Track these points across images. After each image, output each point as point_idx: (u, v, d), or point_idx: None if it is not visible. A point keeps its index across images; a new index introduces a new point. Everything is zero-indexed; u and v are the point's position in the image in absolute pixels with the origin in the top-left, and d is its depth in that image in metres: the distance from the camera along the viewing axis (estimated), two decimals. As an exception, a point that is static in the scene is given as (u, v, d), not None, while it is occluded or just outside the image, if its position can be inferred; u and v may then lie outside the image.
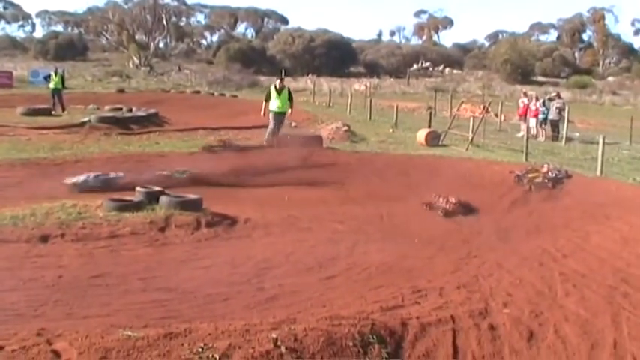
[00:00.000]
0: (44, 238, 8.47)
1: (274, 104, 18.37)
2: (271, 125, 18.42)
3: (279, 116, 18.50)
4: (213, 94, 42.11)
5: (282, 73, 35.06)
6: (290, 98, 18.64)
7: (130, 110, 27.76)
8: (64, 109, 28.28)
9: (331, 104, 37.19)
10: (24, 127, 21.75)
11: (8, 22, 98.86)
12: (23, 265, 7.60)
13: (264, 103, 18.63)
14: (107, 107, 29.58)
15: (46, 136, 19.81)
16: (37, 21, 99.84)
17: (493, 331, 5.99)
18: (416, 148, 19.57)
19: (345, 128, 21.89)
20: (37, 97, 31.91)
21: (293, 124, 23.48)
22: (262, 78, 56.34)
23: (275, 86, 18.61)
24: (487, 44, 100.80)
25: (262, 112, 18.62)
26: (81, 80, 48.97)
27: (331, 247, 9.03)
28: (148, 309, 6.25)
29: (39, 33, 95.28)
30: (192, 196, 10.19)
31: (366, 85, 52.40)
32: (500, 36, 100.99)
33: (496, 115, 30.24)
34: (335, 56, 76.61)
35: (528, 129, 21.68)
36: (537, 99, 25.65)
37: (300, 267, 8.04)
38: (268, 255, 8.44)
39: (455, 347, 5.65)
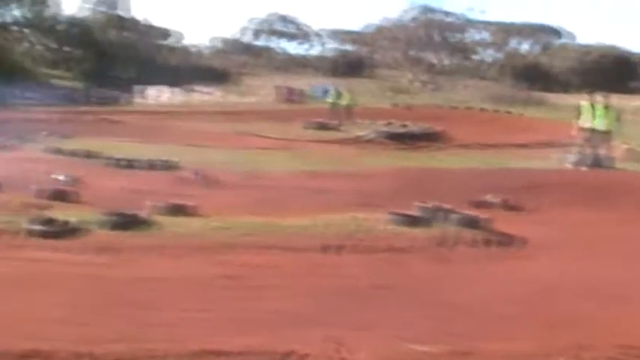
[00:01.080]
0: (327, 248, 8.79)
1: (590, 121, 17.69)
2: (585, 144, 17.76)
3: (597, 134, 17.75)
4: (494, 110, 41.54)
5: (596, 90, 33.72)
6: (612, 116, 17.77)
7: (407, 126, 28.18)
8: (346, 124, 29.23)
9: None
10: (308, 140, 22.77)
11: (291, 41, 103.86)
12: (309, 273, 7.95)
13: (575, 120, 17.98)
14: (385, 122, 30.22)
15: (329, 149, 20.60)
16: (319, 39, 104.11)
17: None
18: None
19: (629, 147, 20.65)
20: (319, 111, 33.26)
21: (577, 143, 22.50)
22: (549, 95, 54.77)
23: (591, 103, 17.91)
24: None
25: (573, 131, 17.97)
26: (359, 96, 50.30)
27: (620, 269, 8.59)
28: (432, 324, 6.28)
29: (323, 51, 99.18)
30: (474, 214, 10.15)
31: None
32: None
33: None
34: (616, 71, 72.83)
35: None
36: None
37: (589, 291, 7.67)
38: (554, 275, 8.17)
39: None
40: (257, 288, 7.42)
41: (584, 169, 17.21)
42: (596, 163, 17.40)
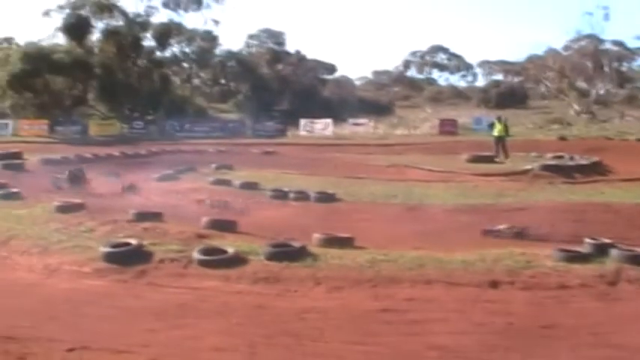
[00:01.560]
0: (494, 284, 8.59)
1: None
2: None
3: None
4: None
5: None
6: None
7: (572, 158, 27.40)
8: (507, 157, 28.73)
9: None
10: (469, 173, 22.52)
11: (452, 73, 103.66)
12: (473, 309, 7.79)
13: None
14: (549, 155, 29.47)
15: (491, 183, 20.29)
16: (479, 71, 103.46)
17: None
18: None
19: None
20: (481, 144, 32.86)
21: None
22: None
23: None
24: None
25: None
26: (521, 128, 49.39)
27: None
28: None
29: (480, 82, 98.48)
30: (644, 250, 9.69)
31: None
32: None
33: None
34: None
35: None
36: None
37: None
38: None
39: None
40: (419, 322, 7.36)
41: None
42: None
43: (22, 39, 61.08)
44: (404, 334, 7.07)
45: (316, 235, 10.84)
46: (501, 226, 12.59)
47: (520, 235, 12.24)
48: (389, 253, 9.73)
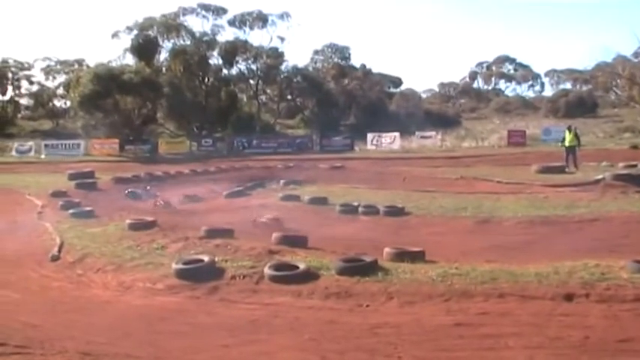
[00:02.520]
0: (568, 297, 8.43)
1: None
2: None
3: None
4: None
5: None
6: None
7: (649, 167, 26.83)
8: (577, 167, 28.31)
9: None
10: (540, 184, 22.25)
11: (519, 83, 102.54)
12: (549, 322, 7.67)
13: None
14: (620, 164, 28.95)
15: (562, 194, 20.00)
16: (546, 80, 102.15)
17: None
18: None
19: None
20: (550, 154, 32.44)
21: None
22: None
23: None
24: None
25: None
26: (592, 137, 48.65)
27: None
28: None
29: (548, 91, 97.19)
30: None
31: None
32: None
33: None
34: None
35: None
36: None
37: None
38: None
39: None
40: (493, 337, 7.28)
41: None
42: None
43: (92, 60, 62.37)
44: (478, 348, 7.01)
45: (387, 250, 10.82)
46: None
47: None
48: (460, 267, 9.67)
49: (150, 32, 55.58)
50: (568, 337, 7.18)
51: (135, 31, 55.49)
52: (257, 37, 59.84)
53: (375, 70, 71.67)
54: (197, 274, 9.89)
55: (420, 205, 18.01)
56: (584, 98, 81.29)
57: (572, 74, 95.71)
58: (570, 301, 8.37)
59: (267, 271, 9.75)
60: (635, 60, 73.90)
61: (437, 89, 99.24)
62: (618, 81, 74.72)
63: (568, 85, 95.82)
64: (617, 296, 8.46)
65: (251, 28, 60.64)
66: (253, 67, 61.20)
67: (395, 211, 16.70)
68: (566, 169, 27.76)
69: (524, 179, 23.54)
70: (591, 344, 7.01)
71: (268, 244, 11.66)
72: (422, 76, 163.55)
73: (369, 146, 47.09)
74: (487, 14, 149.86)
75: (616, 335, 7.25)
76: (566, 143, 29.49)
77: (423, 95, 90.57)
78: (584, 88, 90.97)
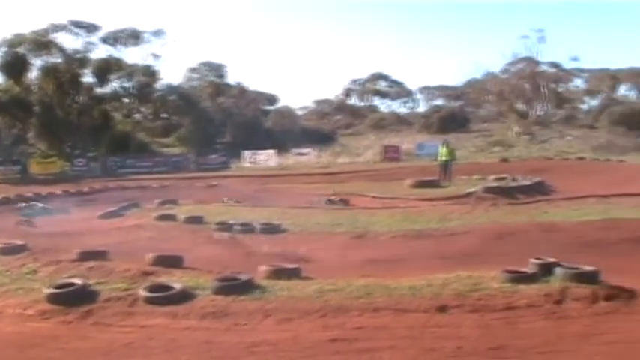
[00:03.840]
0: (442, 309, 8.57)
1: None
2: None
3: None
4: (598, 159, 40.86)
5: None
6: None
7: (515, 180, 27.82)
8: (450, 181, 29.07)
9: None
10: (413, 199, 22.70)
11: (393, 100, 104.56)
12: (423, 334, 7.78)
13: None
14: (491, 177, 29.91)
15: (436, 208, 20.47)
16: (420, 96, 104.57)
17: None
18: None
19: None
20: (424, 169, 33.18)
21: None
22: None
23: None
24: None
25: None
26: (464, 151, 50.07)
27: None
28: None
29: (422, 107, 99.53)
30: (588, 268, 9.77)
31: None
32: None
33: None
34: None
35: None
36: None
37: None
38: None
39: None
40: (369, 351, 7.32)
41: None
42: None
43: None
44: (354, 363, 7.05)
45: (262, 267, 10.77)
46: None
47: None
48: (336, 282, 9.68)
49: (19, 49, 53.83)
50: (442, 347, 7.30)
51: (3, 48, 53.69)
52: (131, 55, 58.78)
53: (251, 88, 71.83)
54: (70, 298, 9.52)
55: (296, 221, 18.03)
56: (456, 113, 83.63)
57: (444, 90, 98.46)
58: (444, 313, 8.51)
59: (141, 292, 9.49)
60: (504, 76, 76.66)
61: (313, 106, 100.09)
62: (488, 97, 77.23)
63: (441, 101, 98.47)
64: (488, 306, 8.67)
65: (125, 45, 59.65)
66: (127, 84, 60.20)
67: (271, 229, 16.66)
68: (440, 183, 28.46)
69: (399, 194, 23.98)
70: (464, 353, 7.15)
71: (143, 265, 11.42)
72: (298, 93, 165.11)
73: (246, 164, 47.07)
74: (361, 32, 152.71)
75: (488, 343, 7.41)
76: (442, 158, 30.28)
77: (299, 112, 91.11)
78: (456, 103, 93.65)
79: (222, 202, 23.24)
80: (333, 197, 23.02)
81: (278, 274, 10.51)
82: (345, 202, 22.59)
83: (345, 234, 16.18)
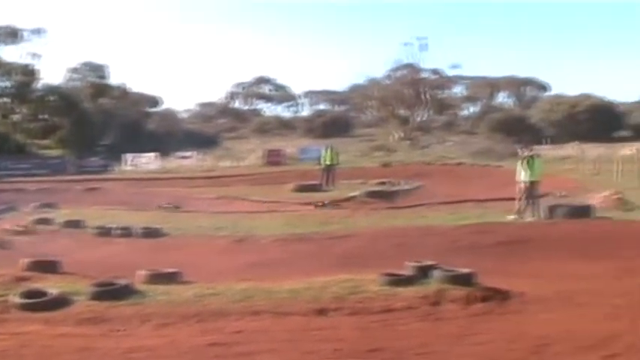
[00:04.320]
0: (321, 312, 8.63)
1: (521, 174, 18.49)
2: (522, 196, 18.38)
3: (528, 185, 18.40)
4: (476, 165, 41.96)
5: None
6: (536, 167, 18.53)
7: (396, 184, 28.29)
8: (333, 185, 29.31)
9: (598, 171, 35.36)
10: (295, 202, 22.77)
11: (277, 104, 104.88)
12: (303, 337, 7.78)
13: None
14: (373, 181, 30.33)
15: (317, 212, 20.59)
16: (304, 101, 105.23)
17: None
18: (699, 215, 18.18)
19: (617, 196, 20.75)
20: (307, 173, 33.34)
21: (561, 194, 22.82)
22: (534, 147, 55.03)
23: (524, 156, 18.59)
24: None
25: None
26: (347, 156, 50.55)
27: (611, 323, 8.44)
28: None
29: (306, 112, 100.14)
30: (464, 270, 10.02)
31: (636, 150, 49.61)
32: None
33: None
34: (599, 121, 73.18)
35: None
36: None
37: (579, 344, 7.54)
38: (545, 331, 8.01)
39: None
40: (248, 355, 7.26)
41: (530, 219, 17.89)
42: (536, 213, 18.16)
43: None
44: (232, 367, 7.00)
45: (141, 272, 10.57)
46: None
47: None
48: (216, 287, 9.61)
49: None
50: (321, 350, 7.31)
51: None
52: (9, 54, 56.86)
53: (134, 90, 70.63)
54: None
55: (177, 225, 17.81)
56: (339, 118, 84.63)
57: (328, 95, 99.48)
58: (323, 316, 8.56)
59: (15, 299, 9.18)
60: (387, 82, 77.90)
61: (197, 109, 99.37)
62: (371, 102, 78.31)
63: (324, 106, 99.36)
64: (367, 308, 8.78)
65: (3, 43, 57.71)
66: (5, 84, 58.18)
67: (151, 232, 16.40)
68: (323, 187, 28.65)
69: (281, 198, 24.02)
70: (343, 355, 7.17)
71: (17, 271, 11.03)
72: (181, 95, 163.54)
73: (127, 167, 46.29)
74: (246, 35, 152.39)
75: (366, 345, 7.47)
76: (326, 162, 30.48)
77: (183, 115, 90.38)
78: (340, 108, 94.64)
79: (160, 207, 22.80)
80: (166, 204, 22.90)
81: (157, 278, 10.34)
82: (176, 208, 22.42)
83: (226, 238, 16.07)
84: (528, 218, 17.95)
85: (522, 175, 18.49)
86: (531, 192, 18.31)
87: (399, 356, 7.19)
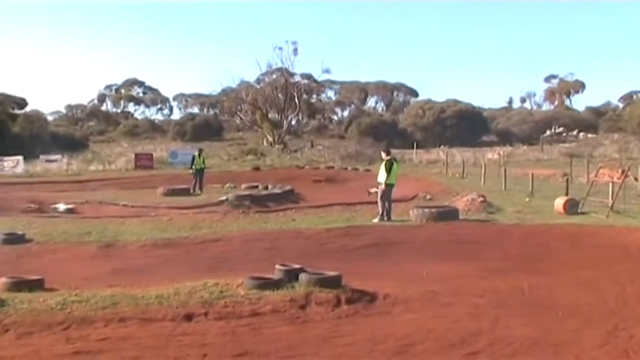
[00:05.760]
0: (188, 317, 8.61)
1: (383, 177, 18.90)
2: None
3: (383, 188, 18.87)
4: (346, 168, 42.57)
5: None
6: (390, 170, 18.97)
7: (266, 188, 28.43)
8: (202, 189, 29.20)
9: (464, 175, 36.48)
10: (165, 207, 22.53)
11: (148, 106, 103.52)
12: (169, 343, 7.73)
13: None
14: (244, 185, 30.39)
15: (186, 216, 20.47)
16: (175, 104, 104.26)
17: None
18: (554, 217, 19.05)
19: (481, 199, 21.50)
20: (177, 177, 33.04)
21: (428, 197, 23.45)
22: (394, 151, 56.39)
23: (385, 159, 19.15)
24: (622, 105, 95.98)
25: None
26: (217, 159, 50.42)
27: (473, 322, 8.79)
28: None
29: (177, 115, 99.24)
30: (331, 273, 10.19)
31: (499, 154, 51.58)
32: (634, 97, 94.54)
33: (636, 179, 28.94)
34: (466, 126, 75.83)
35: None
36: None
37: (442, 343, 7.85)
38: (409, 331, 8.28)
39: None
40: (113, 363, 7.19)
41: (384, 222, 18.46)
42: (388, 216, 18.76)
43: None
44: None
45: (2, 280, 10.27)
46: None
47: None
48: (81, 293, 9.44)
49: None
50: (187, 356, 7.29)
51: None
52: None
53: None
54: None
55: (42, 231, 17.34)
56: (210, 122, 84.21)
57: (199, 98, 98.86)
58: (190, 321, 8.54)
59: None
60: (258, 86, 78.05)
61: (64, 111, 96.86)
62: (243, 106, 78.24)
63: (196, 109, 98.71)
64: (234, 312, 8.82)
65: None
66: None
67: (15, 239, 15.89)
68: (192, 192, 28.49)
69: (150, 202, 23.72)
70: (209, 361, 7.20)
71: None
72: (48, 97, 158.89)
73: (-7, 170, 44.69)
74: (117, 37, 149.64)
75: (233, 350, 7.50)
76: (195, 165, 30.33)
77: (50, 117, 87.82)
78: (211, 112, 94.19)
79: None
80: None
81: (19, 286, 10.06)
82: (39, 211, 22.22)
83: (92, 243, 15.77)
84: (375, 219, 18.40)
85: (380, 177, 18.93)
86: (385, 193, 18.73)
87: (266, 360, 7.26)
